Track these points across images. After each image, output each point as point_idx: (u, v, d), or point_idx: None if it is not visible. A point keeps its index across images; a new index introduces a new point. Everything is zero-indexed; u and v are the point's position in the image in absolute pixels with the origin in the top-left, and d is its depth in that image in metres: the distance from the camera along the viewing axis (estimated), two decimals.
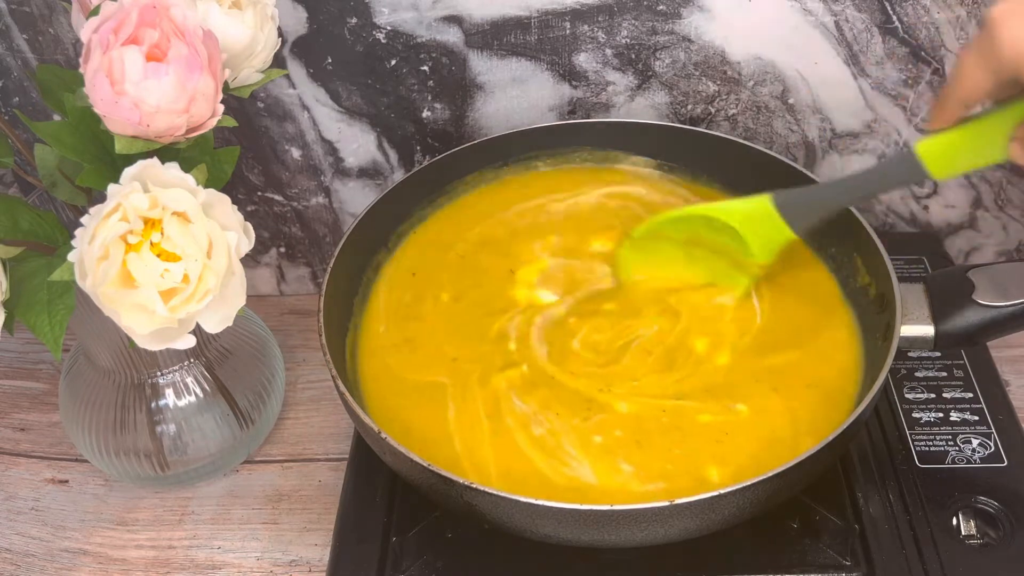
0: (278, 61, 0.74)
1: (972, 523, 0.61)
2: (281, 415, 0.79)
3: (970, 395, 0.70)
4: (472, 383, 0.64)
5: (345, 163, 0.82)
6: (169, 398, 0.70)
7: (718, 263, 0.68)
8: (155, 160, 0.50)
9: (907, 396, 0.70)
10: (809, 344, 0.65)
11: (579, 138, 0.77)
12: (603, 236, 0.73)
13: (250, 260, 0.89)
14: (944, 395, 0.70)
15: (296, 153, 0.82)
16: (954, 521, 0.62)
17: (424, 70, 0.77)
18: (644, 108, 0.80)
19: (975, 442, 0.66)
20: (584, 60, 0.77)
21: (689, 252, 0.68)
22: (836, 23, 0.74)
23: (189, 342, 0.51)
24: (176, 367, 0.70)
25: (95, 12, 0.51)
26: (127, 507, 0.74)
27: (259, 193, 0.84)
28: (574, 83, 0.78)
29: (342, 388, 0.59)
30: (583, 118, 0.80)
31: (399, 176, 0.82)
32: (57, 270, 0.51)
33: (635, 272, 0.69)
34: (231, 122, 0.55)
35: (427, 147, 0.82)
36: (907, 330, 0.61)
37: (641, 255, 0.70)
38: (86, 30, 0.50)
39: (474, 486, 0.52)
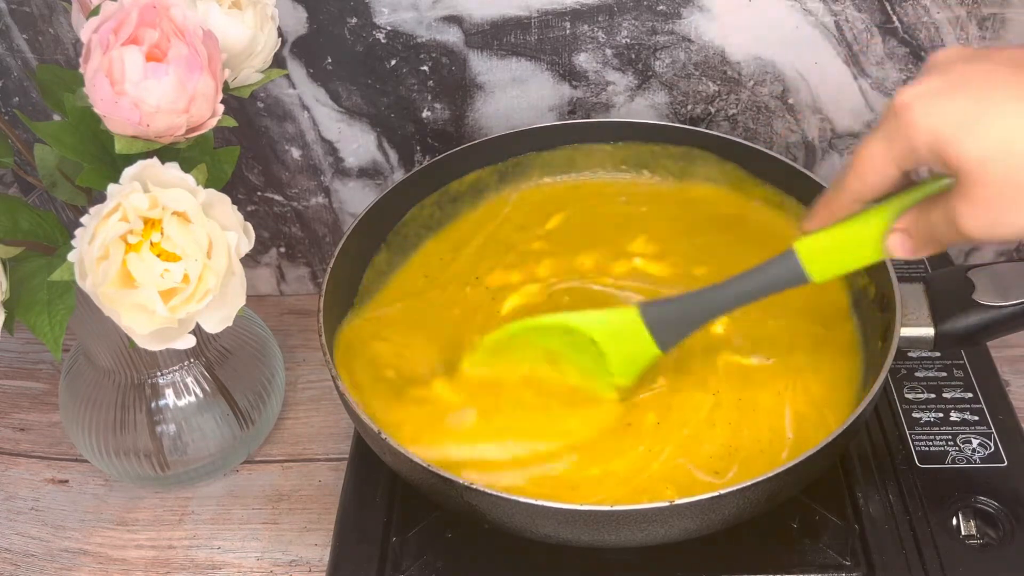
0: (278, 61, 0.74)
1: (972, 523, 0.61)
2: (281, 415, 0.79)
3: (970, 395, 0.70)
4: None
5: (345, 163, 0.82)
6: (169, 398, 0.70)
7: (580, 376, 0.62)
8: (155, 160, 0.50)
9: (907, 396, 0.70)
10: (809, 344, 0.65)
11: (579, 138, 0.77)
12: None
13: (250, 260, 0.89)
14: (944, 395, 0.70)
15: (296, 153, 0.82)
16: (954, 521, 0.62)
17: (424, 70, 0.77)
18: (644, 108, 0.80)
19: (975, 442, 0.66)
20: (584, 60, 0.77)
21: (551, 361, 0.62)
22: (836, 23, 0.74)
23: (189, 342, 0.51)
24: (176, 367, 0.70)
25: (95, 12, 0.51)
26: (127, 507, 0.74)
27: (259, 193, 0.84)
28: (574, 83, 0.78)
29: (342, 388, 0.59)
30: (583, 118, 0.80)
31: (399, 176, 0.82)
32: (57, 270, 0.51)
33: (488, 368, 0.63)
34: (231, 122, 0.55)
35: (427, 147, 0.82)
36: (907, 330, 0.61)
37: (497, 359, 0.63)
38: (86, 30, 0.50)
39: (474, 486, 0.52)
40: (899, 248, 0.50)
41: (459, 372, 0.64)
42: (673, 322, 0.59)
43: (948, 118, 0.44)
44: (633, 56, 0.76)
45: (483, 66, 0.77)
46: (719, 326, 0.66)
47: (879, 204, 0.51)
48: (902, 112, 0.45)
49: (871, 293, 0.65)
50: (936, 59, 0.47)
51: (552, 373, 0.62)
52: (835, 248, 0.53)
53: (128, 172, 0.49)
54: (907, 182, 0.49)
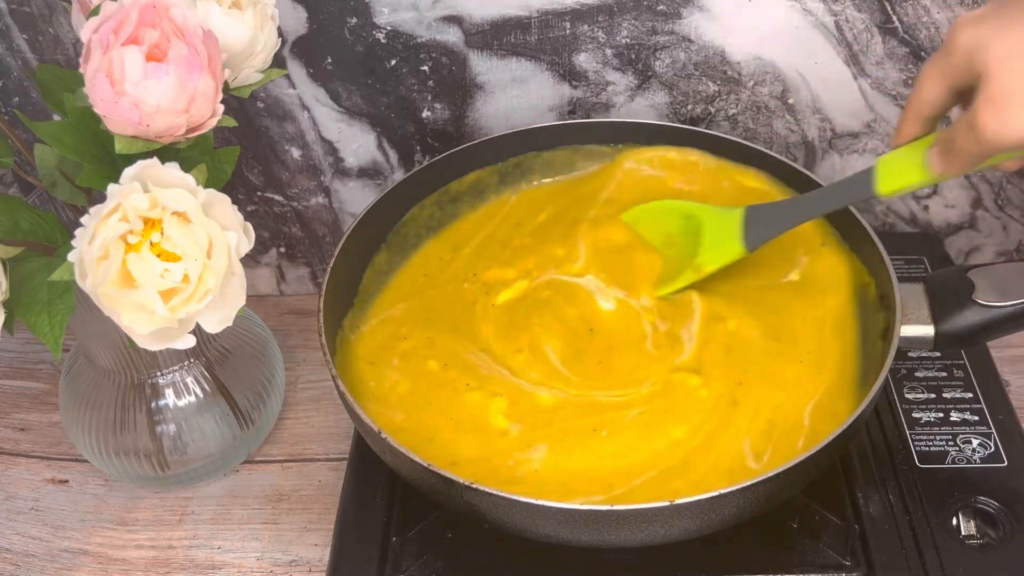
0: (278, 61, 0.74)
1: (972, 523, 0.61)
2: (281, 415, 0.79)
3: (970, 395, 0.70)
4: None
5: (345, 163, 0.82)
6: (169, 398, 0.70)
7: (673, 257, 0.68)
8: (155, 160, 0.50)
9: (907, 396, 0.70)
10: (809, 344, 0.65)
11: (579, 138, 0.77)
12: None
13: (250, 260, 0.89)
14: (944, 395, 0.70)
15: (296, 153, 0.82)
16: (954, 521, 0.62)
17: (424, 70, 0.77)
18: (644, 108, 0.80)
19: (975, 442, 0.66)
20: (584, 60, 0.77)
21: (663, 239, 0.69)
22: (836, 23, 0.74)
23: (189, 342, 0.51)
24: (176, 367, 0.70)
25: (95, 12, 0.51)
26: (127, 507, 0.74)
27: (259, 193, 0.84)
28: (574, 83, 0.78)
29: (342, 388, 0.59)
30: (583, 118, 0.80)
31: (399, 176, 0.82)
32: (57, 270, 0.51)
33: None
34: (231, 122, 0.55)
35: (427, 147, 0.82)
36: (907, 330, 0.61)
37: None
38: (86, 30, 0.50)
39: (474, 486, 0.52)
40: (933, 160, 0.54)
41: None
42: (763, 224, 0.64)
43: (981, 31, 0.50)
44: (633, 56, 0.76)
45: (483, 66, 0.77)
46: (718, 325, 0.66)
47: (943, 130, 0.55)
48: (950, 34, 0.52)
49: (871, 293, 0.65)
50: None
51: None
52: (899, 165, 0.57)
53: (128, 172, 0.49)
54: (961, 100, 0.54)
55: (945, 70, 0.52)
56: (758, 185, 0.73)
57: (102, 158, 0.54)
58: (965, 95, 0.53)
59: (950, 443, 0.66)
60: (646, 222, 0.70)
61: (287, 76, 0.77)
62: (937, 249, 0.82)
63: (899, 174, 0.57)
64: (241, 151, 0.62)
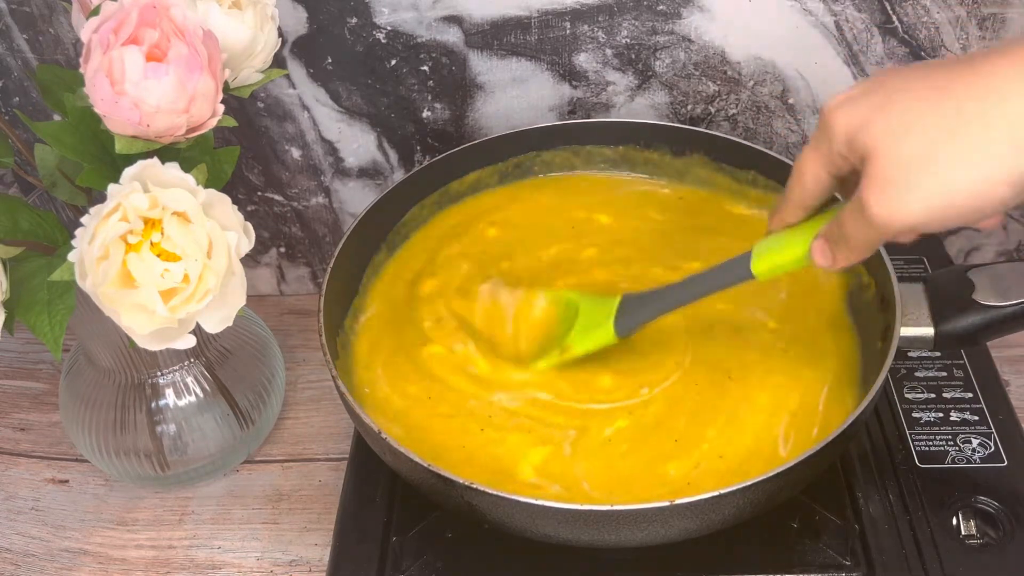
0: (278, 61, 0.74)
1: (972, 523, 0.61)
2: (281, 415, 0.79)
3: (970, 395, 0.69)
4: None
5: (345, 163, 0.82)
6: (169, 398, 0.70)
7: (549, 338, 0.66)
8: (155, 160, 0.50)
9: (907, 396, 0.70)
10: (809, 344, 0.65)
11: (579, 138, 0.77)
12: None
13: (250, 260, 0.89)
14: (944, 395, 0.70)
15: (296, 153, 0.82)
16: (954, 521, 0.62)
17: (424, 70, 0.77)
18: (644, 108, 0.80)
19: (975, 442, 0.66)
20: (584, 60, 0.77)
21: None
22: (836, 23, 0.74)
23: (189, 342, 0.51)
24: (176, 367, 0.70)
25: (95, 12, 0.51)
26: (127, 507, 0.74)
27: (259, 193, 0.84)
28: (574, 83, 0.78)
29: (342, 388, 0.59)
30: (583, 118, 0.80)
31: (399, 176, 0.82)
32: (57, 270, 0.51)
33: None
34: (231, 122, 0.55)
35: (427, 147, 0.82)
36: (907, 330, 0.61)
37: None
38: (86, 30, 0.50)
39: (474, 486, 0.52)
40: (817, 254, 0.53)
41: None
42: (636, 311, 0.63)
43: (861, 112, 0.48)
44: (633, 56, 0.76)
45: (483, 66, 0.77)
46: (718, 325, 0.66)
47: (820, 213, 0.55)
48: (825, 117, 0.49)
49: (871, 293, 0.65)
50: (869, 77, 0.52)
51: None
52: (778, 250, 0.56)
53: (128, 172, 0.49)
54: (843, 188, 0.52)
55: (825, 156, 0.50)
56: (745, 212, 0.74)
57: (102, 158, 0.54)
58: (847, 180, 0.51)
59: (950, 443, 0.66)
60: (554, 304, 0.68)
61: (287, 76, 0.77)
62: (937, 249, 0.82)
63: (775, 257, 0.56)
64: (241, 151, 0.62)
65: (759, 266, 0.57)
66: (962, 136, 0.44)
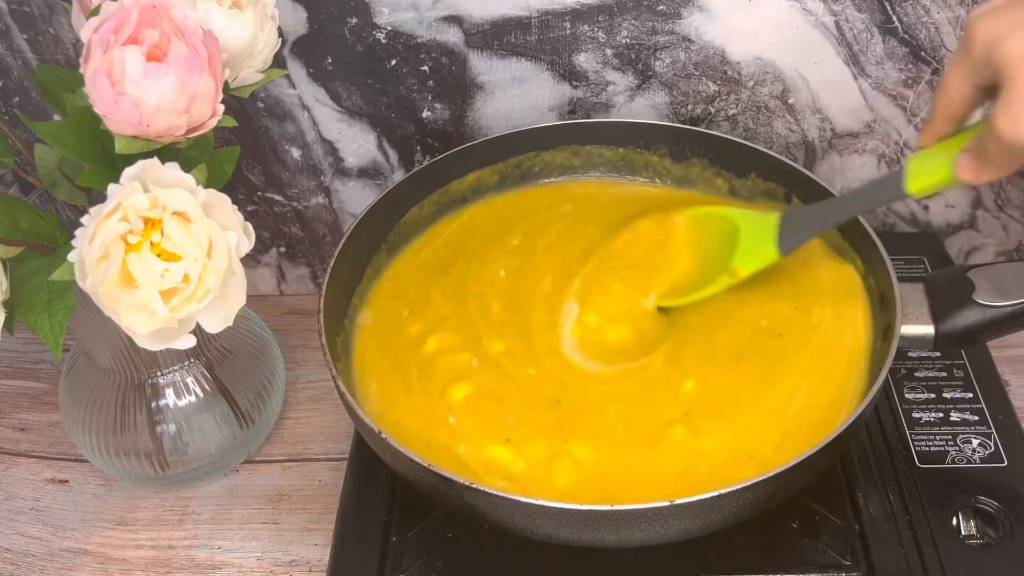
0: (278, 61, 0.74)
1: (972, 523, 0.61)
2: (281, 415, 0.79)
3: (970, 395, 0.70)
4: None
5: (345, 163, 0.82)
6: (169, 398, 0.70)
7: (709, 261, 0.68)
8: (155, 160, 0.50)
9: (907, 396, 0.70)
10: (809, 343, 0.65)
11: (579, 138, 0.77)
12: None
13: (250, 260, 0.89)
14: (944, 395, 0.70)
15: (296, 153, 0.82)
16: (954, 521, 0.62)
17: (424, 70, 0.77)
18: (644, 108, 0.80)
19: (975, 442, 0.66)
20: (584, 60, 0.77)
21: (697, 246, 0.69)
22: (836, 23, 0.74)
23: (189, 342, 0.51)
24: (176, 367, 0.70)
25: (95, 12, 0.51)
26: (127, 507, 0.74)
27: (259, 193, 0.84)
28: (574, 83, 0.78)
29: (342, 388, 0.59)
30: (583, 118, 0.80)
31: (399, 176, 0.82)
32: (57, 270, 0.51)
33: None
34: (231, 122, 0.55)
35: (427, 147, 0.82)
36: (907, 330, 0.61)
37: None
38: (86, 30, 0.50)
39: (474, 486, 0.52)
40: (962, 168, 0.53)
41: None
42: (796, 228, 0.64)
43: (999, 26, 0.48)
44: (633, 56, 0.76)
45: (483, 66, 0.77)
46: (719, 325, 0.66)
47: (972, 127, 0.54)
48: (967, 28, 0.50)
49: (871, 293, 0.65)
50: None
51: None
52: (929, 165, 0.56)
53: (128, 172, 0.49)
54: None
55: (967, 67, 0.50)
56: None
57: (102, 158, 0.54)
58: (992, 91, 0.51)
59: (950, 443, 0.66)
60: (694, 226, 0.70)
61: (287, 76, 0.77)
62: (937, 249, 0.82)
63: (929, 173, 0.56)
64: (241, 151, 0.62)
65: (913, 184, 0.56)
66: None
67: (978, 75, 0.50)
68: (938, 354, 0.72)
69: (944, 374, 0.71)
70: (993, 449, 0.66)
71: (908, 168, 0.57)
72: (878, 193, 0.61)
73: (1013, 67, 0.47)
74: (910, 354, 0.72)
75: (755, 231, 0.66)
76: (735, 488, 0.51)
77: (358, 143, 0.81)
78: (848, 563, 0.61)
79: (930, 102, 0.56)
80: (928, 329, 0.61)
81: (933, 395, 0.70)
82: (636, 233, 0.71)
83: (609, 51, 0.76)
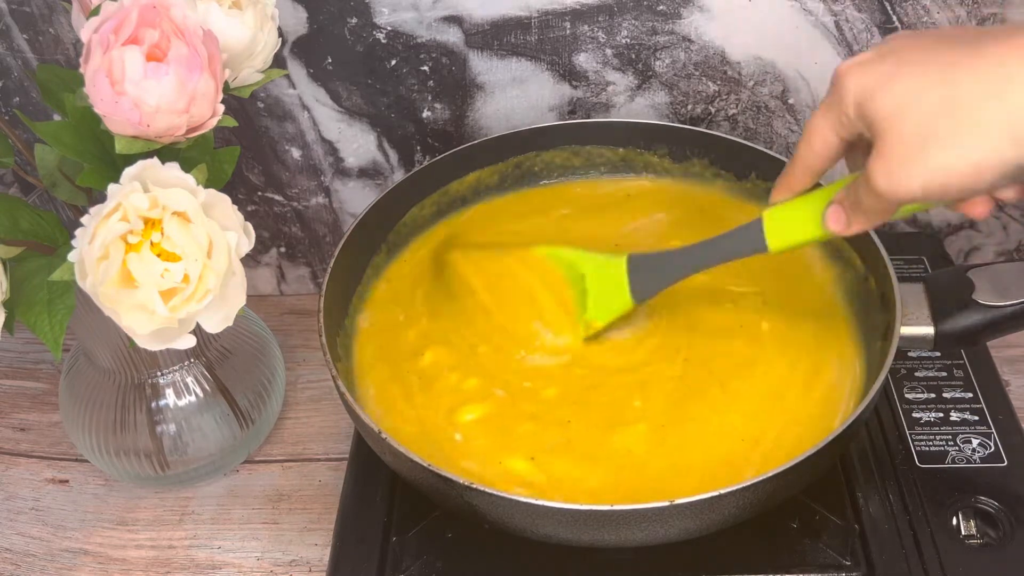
0: (278, 61, 0.74)
1: (972, 523, 0.61)
2: (281, 415, 0.79)
3: (970, 395, 0.69)
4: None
5: (345, 163, 0.82)
6: (169, 398, 0.70)
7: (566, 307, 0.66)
8: (155, 160, 0.50)
9: (907, 396, 0.70)
10: (809, 344, 0.65)
11: (579, 138, 0.77)
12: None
13: (250, 260, 0.89)
14: (944, 395, 0.70)
15: (296, 153, 0.82)
16: (954, 521, 0.62)
17: (424, 70, 0.77)
18: (644, 108, 0.80)
19: (975, 442, 0.66)
20: (584, 60, 0.77)
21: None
22: (836, 23, 0.74)
23: (189, 342, 0.51)
24: (176, 367, 0.70)
25: (95, 12, 0.51)
26: (127, 507, 0.74)
27: (259, 193, 0.84)
28: (574, 83, 0.78)
29: (342, 388, 0.59)
30: (583, 118, 0.80)
31: (399, 176, 0.82)
32: (57, 270, 0.51)
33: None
34: (231, 122, 0.55)
35: (427, 147, 0.82)
36: (907, 330, 0.61)
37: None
38: (86, 30, 0.50)
39: (474, 486, 0.52)
40: (831, 220, 0.53)
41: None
42: (650, 275, 0.63)
43: (871, 80, 0.48)
44: (633, 56, 0.76)
45: (483, 66, 0.77)
46: (720, 325, 0.66)
47: (831, 184, 0.54)
48: (837, 80, 0.50)
49: (871, 292, 0.65)
50: (885, 39, 0.51)
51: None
52: (790, 220, 0.56)
53: (128, 172, 0.49)
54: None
55: (835, 119, 0.50)
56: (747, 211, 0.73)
57: (102, 158, 0.54)
58: (855, 145, 0.51)
59: (950, 443, 0.66)
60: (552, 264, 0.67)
61: (287, 76, 0.77)
62: (937, 249, 0.82)
63: (791, 230, 0.56)
64: (241, 151, 0.62)
65: (775, 241, 0.56)
66: (959, 118, 0.45)
67: (845, 128, 0.50)
68: (938, 354, 0.72)
69: (944, 374, 0.71)
70: (993, 449, 0.66)
71: (766, 225, 0.56)
72: (735, 248, 0.59)
73: (885, 120, 0.47)
74: (910, 354, 0.72)
75: (603, 278, 0.64)
76: (735, 488, 0.51)
77: (358, 143, 0.81)
78: (848, 563, 0.61)
79: (791, 158, 0.55)
80: (928, 329, 0.61)
81: (933, 395, 0.70)
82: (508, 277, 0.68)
83: (609, 51, 0.76)
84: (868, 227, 0.52)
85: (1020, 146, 0.44)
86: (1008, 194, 0.50)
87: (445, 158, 0.75)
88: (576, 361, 0.65)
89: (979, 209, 0.50)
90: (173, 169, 0.50)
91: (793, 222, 0.56)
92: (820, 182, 0.56)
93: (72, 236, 0.50)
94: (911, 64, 0.47)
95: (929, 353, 0.72)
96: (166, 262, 0.49)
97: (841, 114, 0.50)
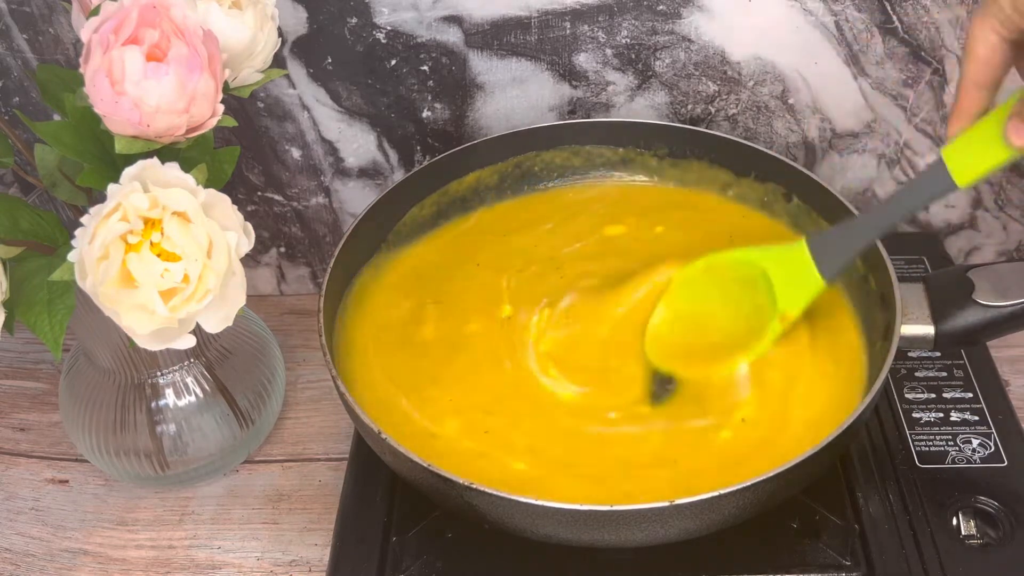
0: (278, 61, 0.74)
1: (972, 523, 0.61)
2: (281, 415, 0.79)
3: (970, 395, 0.69)
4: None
5: (345, 163, 0.82)
6: (169, 398, 0.70)
7: (742, 318, 0.64)
8: (155, 160, 0.50)
9: (907, 396, 0.70)
10: (809, 344, 0.65)
11: (579, 138, 0.77)
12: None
13: (250, 260, 0.89)
14: (944, 395, 0.70)
15: (296, 153, 0.82)
16: (954, 521, 0.62)
17: (424, 70, 0.77)
18: (644, 108, 0.80)
19: (975, 442, 0.66)
20: (584, 60, 0.77)
21: (719, 303, 0.65)
22: (836, 23, 0.74)
23: (189, 342, 0.51)
24: (176, 367, 0.70)
25: (95, 12, 0.51)
26: (127, 507, 0.74)
27: (259, 193, 0.84)
28: (574, 83, 0.78)
29: (342, 388, 0.59)
30: (583, 118, 0.80)
31: (399, 176, 0.82)
32: (57, 270, 0.51)
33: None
34: (231, 122, 0.55)
35: (427, 147, 0.82)
36: (907, 330, 0.61)
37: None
38: (86, 30, 0.50)
39: (474, 486, 0.52)
40: (1014, 134, 0.49)
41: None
42: (834, 249, 0.60)
43: None
44: (633, 56, 0.76)
45: (483, 66, 0.77)
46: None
47: (1005, 103, 0.51)
48: None
49: (871, 293, 0.65)
50: None
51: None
52: (971, 150, 0.53)
53: (128, 172, 0.49)
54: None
55: (995, 21, 0.47)
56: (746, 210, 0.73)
57: (102, 158, 0.54)
58: (1022, 48, 0.48)
59: (950, 443, 0.66)
60: (689, 287, 0.65)
61: (287, 76, 0.77)
62: (937, 249, 0.82)
63: (976, 160, 0.52)
64: (241, 151, 0.62)
65: (962, 176, 0.53)
66: None
67: (1006, 27, 0.47)
68: (938, 354, 0.72)
69: (944, 374, 0.71)
70: (993, 449, 0.66)
71: (949, 163, 0.53)
72: (921, 195, 0.56)
73: None
74: (910, 354, 0.72)
75: (786, 265, 0.62)
76: (735, 488, 0.51)
77: (358, 143, 0.81)
78: (848, 563, 0.61)
79: (957, 83, 0.51)
80: (928, 329, 0.61)
81: (933, 395, 0.70)
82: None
83: (609, 51, 0.76)
84: None
85: None
86: None
87: (445, 158, 0.75)
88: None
89: None
90: (173, 169, 0.50)
91: (975, 150, 0.52)
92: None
93: (72, 236, 0.50)
94: None
95: (929, 353, 0.72)
96: (166, 262, 0.49)
97: (999, 11, 0.47)
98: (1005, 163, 0.52)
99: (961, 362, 0.72)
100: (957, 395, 0.70)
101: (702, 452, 0.59)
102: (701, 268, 0.65)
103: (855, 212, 0.66)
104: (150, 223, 0.49)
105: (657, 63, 0.77)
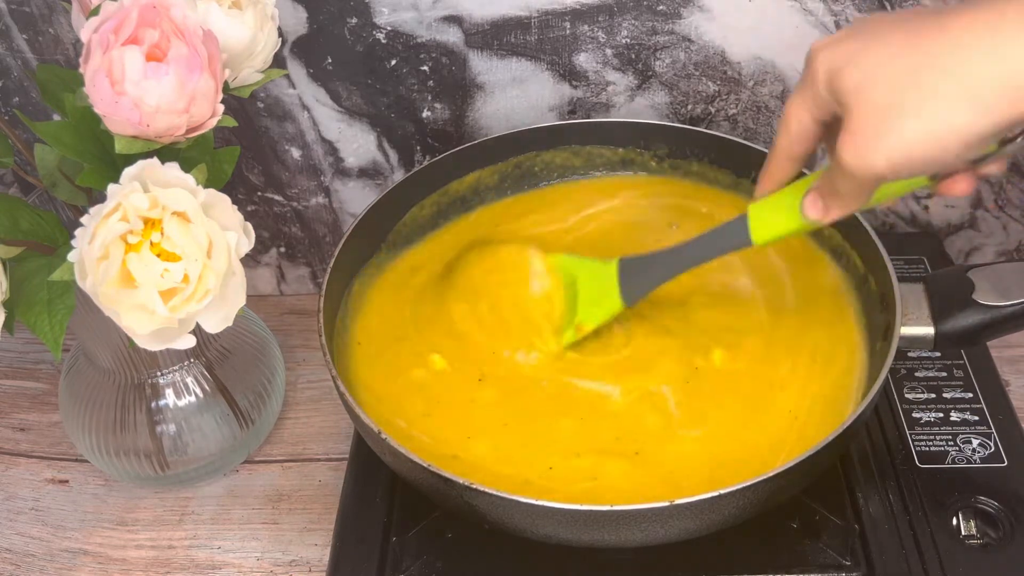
0: (278, 61, 0.74)
1: (972, 523, 0.61)
2: (281, 415, 0.79)
3: (970, 395, 0.70)
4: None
5: (345, 163, 0.82)
6: (169, 398, 0.70)
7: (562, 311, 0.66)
8: (155, 160, 0.50)
9: (907, 396, 0.70)
10: (809, 344, 0.65)
11: (579, 138, 0.77)
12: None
13: (250, 260, 0.89)
14: (944, 395, 0.70)
15: (296, 153, 0.82)
16: (954, 521, 0.62)
17: (424, 70, 0.77)
18: (644, 108, 0.80)
19: (975, 442, 0.66)
20: (584, 60, 0.77)
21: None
22: (836, 23, 0.74)
23: (189, 342, 0.51)
24: (176, 367, 0.70)
25: (95, 12, 0.51)
26: (127, 507, 0.74)
27: (259, 193, 0.84)
28: (574, 83, 0.78)
29: (342, 388, 0.59)
30: (583, 118, 0.80)
31: (399, 176, 0.82)
32: (57, 270, 0.51)
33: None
34: (231, 122, 0.55)
35: (427, 147, 0.82)
36: (907, 330, 0.61)
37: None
38: (86, 30, 0.50)
39: (474, 486, 0.52)
40: (809, 207, 0.53)
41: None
42: (640, 277, 0.62)
43: (840, 55, 0.48)
44: (633, 56, 0.76)
45: (483, 66, 0.77)
46: (721, 326, 0.66)
47: (813, 173, 0.54)
48: (809, 60, 0.49)
49: (871, 293, 0.65)
50: (856, 19, 0.51)
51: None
52: (773, 212, 0.56)
53: (128, 172, 0.49)
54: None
55: (809, 100, 0.50)
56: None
57: (102, 158, 0.54)
58: (831, 128, 0.50)
59: (950, 443, 0.66)
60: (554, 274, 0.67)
61: (287, 76, 0.77)
62: (937, 249, 0.82)
63: (774, 222, 0.56)
64: (241, 151, 0.62)
65: (758, 234, 0.56)
66: (922, 88, 0.44)
67: (819, 109, 0.50)
68: (938, 354, 0.72)
69: (944, 374, 0.71)
70: (993, 449, 0.66)
71: (750, 218, 0.56)
72: (721, 243, 0.59)
73: (852, 94, 0.46)
74: (910, 354, 0.72)
75: (595, 281, 0.64)
76: (735, 488, 0.51)
77: (358, 143, 0.81)
78: (848, 563, 0.61)
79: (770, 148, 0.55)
80: (928, 329, 0.61)
81: (933, 395, 0.70)
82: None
83: (609, 51, 0.76)
84: (846, 212, 0.52)
85: (979, 113, 0.43)
86: (991, 168, 0.49)
87: (445, 158, 0.75)
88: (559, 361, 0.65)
89: (960, 187, 0.50)
90: (173, 169, 0.50)
91: (776, 214, 0.55)
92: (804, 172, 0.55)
93: (72, 236, 0.50)
94: (878, 38, 0.47)
95: (929, 353, 0.72)
96: (166, 262, 0.49)
97: (814, 93, 0.49)
98: (797, 232, 0.55)
99: (961, 362, 0.72)
100: (957, 395, 0.70)
101: (702, 454, 0.59)
102: (551, 262, 0.66)
103: (854, 213, 0.66)
104: (150, 223, 0.49)
105: (657, 63, 0.77)
